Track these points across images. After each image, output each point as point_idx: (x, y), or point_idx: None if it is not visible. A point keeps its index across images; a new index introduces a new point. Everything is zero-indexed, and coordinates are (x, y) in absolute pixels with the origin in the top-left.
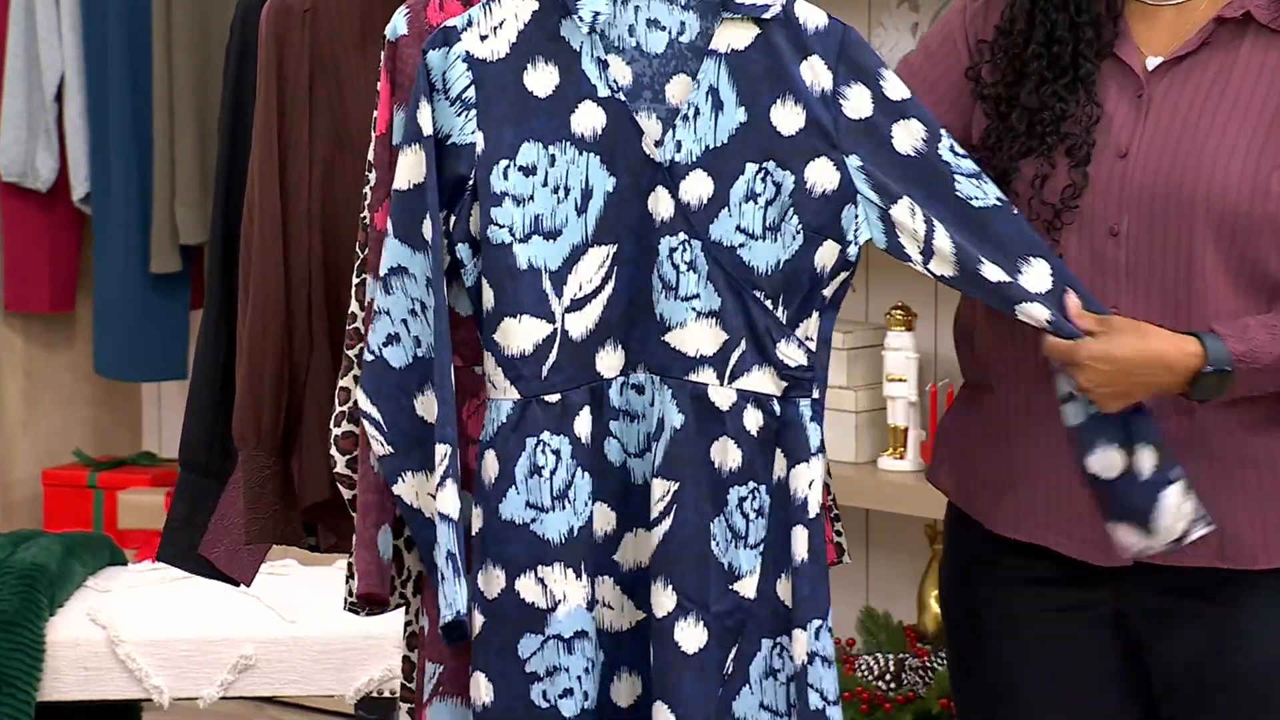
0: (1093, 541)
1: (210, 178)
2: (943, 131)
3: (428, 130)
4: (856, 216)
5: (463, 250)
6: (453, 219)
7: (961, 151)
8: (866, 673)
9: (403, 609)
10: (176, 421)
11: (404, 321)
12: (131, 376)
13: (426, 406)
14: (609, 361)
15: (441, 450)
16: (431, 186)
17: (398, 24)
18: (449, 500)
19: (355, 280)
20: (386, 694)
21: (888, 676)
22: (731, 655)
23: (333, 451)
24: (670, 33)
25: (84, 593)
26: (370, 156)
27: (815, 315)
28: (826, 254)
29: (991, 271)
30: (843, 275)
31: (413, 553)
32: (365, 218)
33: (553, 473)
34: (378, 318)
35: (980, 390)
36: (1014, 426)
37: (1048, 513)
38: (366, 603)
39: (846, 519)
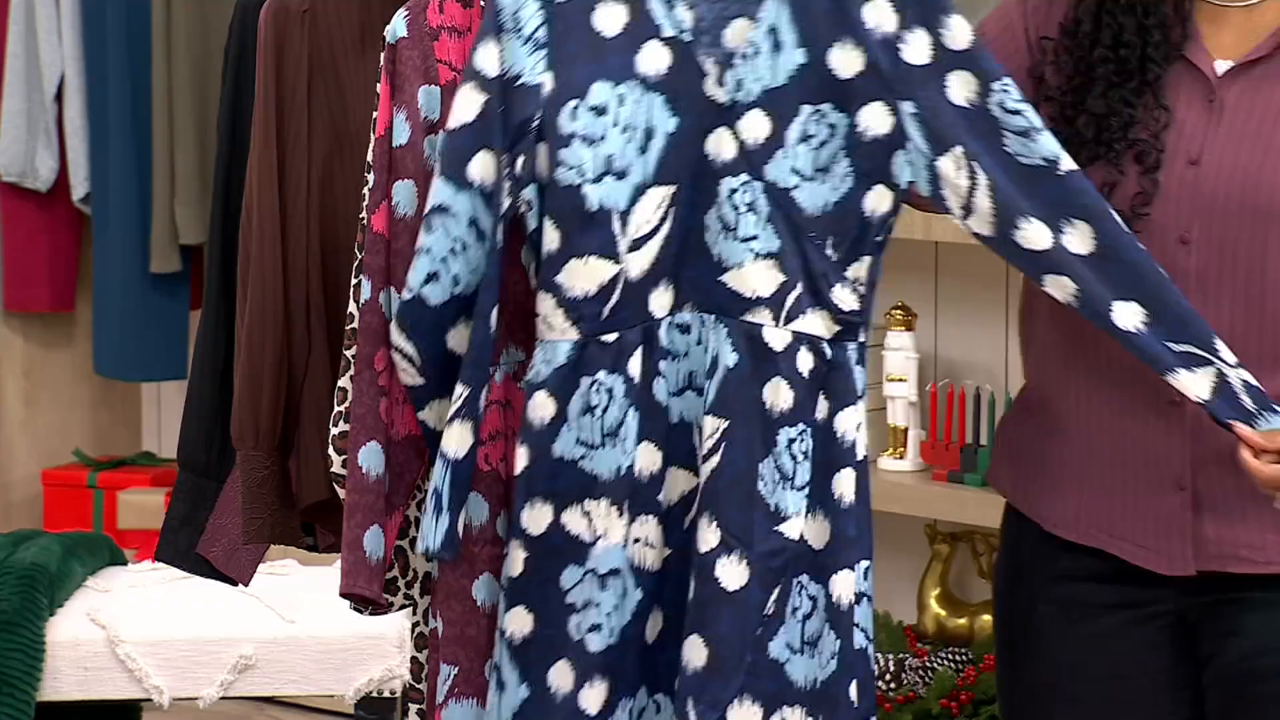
0: (1156, 550)
1: (210, 178)
2: (998, 85)
3: (489, 71)
4: (908, 163)
5: (529, 192)
6: (518, 161)
7: (1015, 107)
8: None
9: (409, 610)
10: (176, 421)
11: (444, 260)
12: (131, 376)
13: (458, 339)
14: (661, 301)
15: (460, 390)
16: (486, 127)
17: (397, 26)
18: (454, 438)
19: (354, 281)
20: (386, 694)
21: (887, 677)
22: (774, 596)
23: (330, 451)
24: None
25: (84, 593)
26: (369, 158)
27: (866, 259)
28: (876, 198)
29: (1028, 237)
30: (891, 220)
31: (417, 553)
32: (364, 219)
33: (604, 411)
34: (419, 256)
35: (1042, 392)
36: (1076, 430)
37: (1110, 518)
38: (354, 602)
39: None
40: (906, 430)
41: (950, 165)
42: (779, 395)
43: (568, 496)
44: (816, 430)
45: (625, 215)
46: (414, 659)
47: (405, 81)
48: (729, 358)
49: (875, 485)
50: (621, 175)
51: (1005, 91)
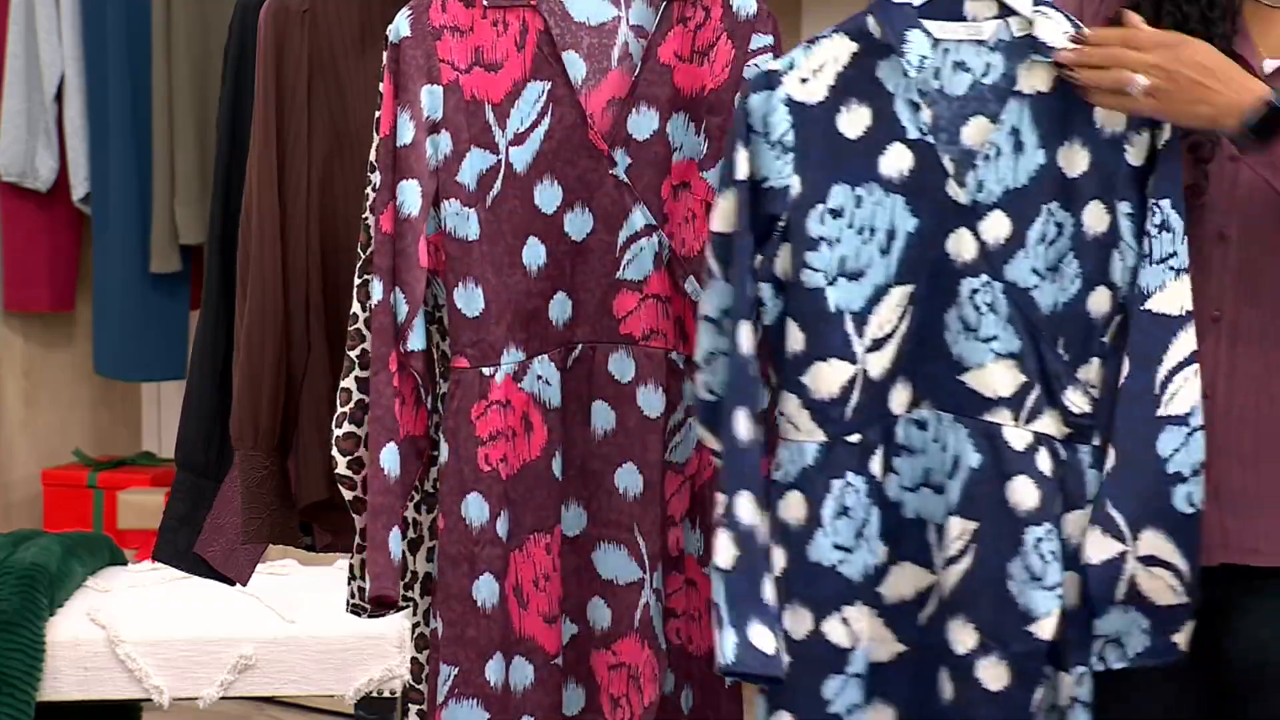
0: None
1: (210, 178)
2: (1165, 202)
3: (742, 175)
4: (1122, 262)
5: (765, 290)
6: (758, 259)
7: (1151, 229)
8: None
9: (408, 610)
10: (176, 421)
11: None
12: (131, 376)
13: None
14: (899, 398)
15: (720, 499)
16: (744, 232)
17: (400, 25)
18: (722, 551)
19: (357, 281)
20: (386, 694)
21: None
22: (1037, 697)
23: (334, 452)
24: (974, 74)
25: (84, 593)
26: (373, 157)
27: (1095, 361)
28: (1099, 299)
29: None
30: (1117, 320)
31: (418, 554)
32: (367, 219)
33: (855, 513)
34: (715, 358)
35: None
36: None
37: None
38: (378, 605)
39: None
40: None
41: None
42: (1024, 495)
43: (827, 605)
44: (1060, 533)
45: (862, 316)
46: (414, 659)
47: (409, 81)
48: (971, 458)
49: None
50: (856, 277)
51: (1153, 212)
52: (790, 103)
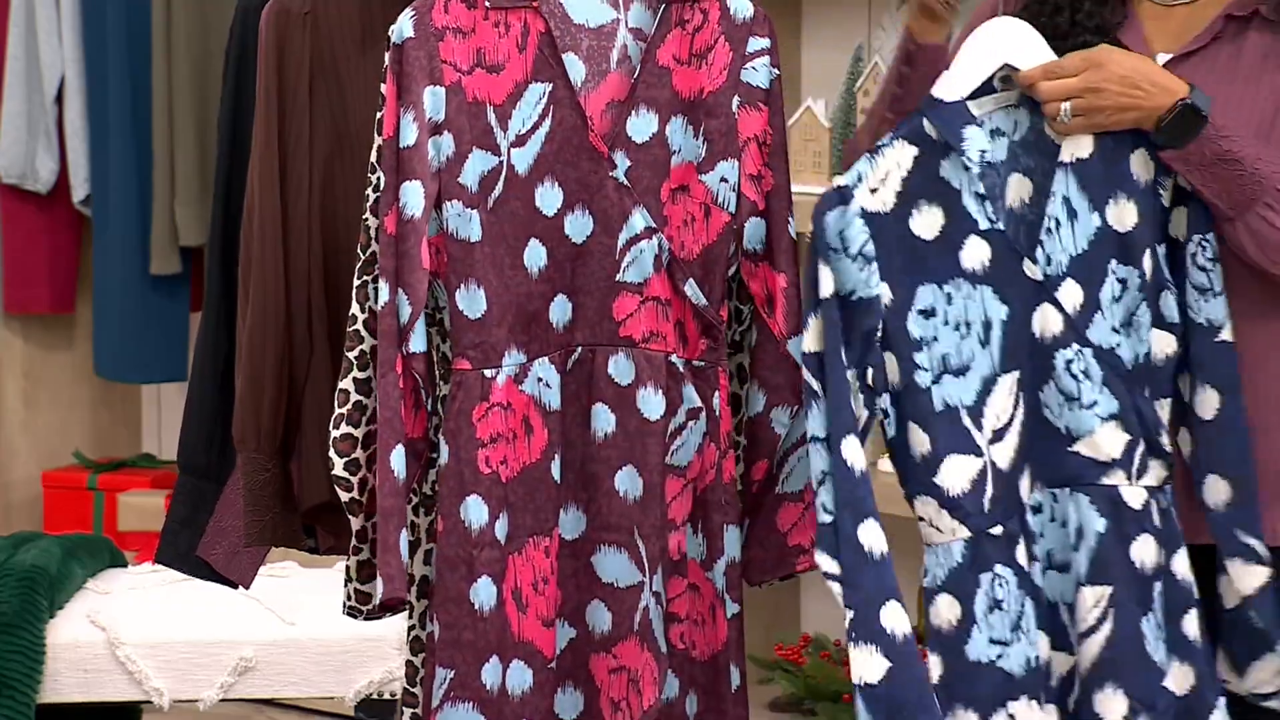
0: None
1: (210, 179)
2: (1199, 237)
3: (826, 293)
4: (1170, 301)
5: (884, 401)
6: (869, 372)
7: (1205, 264)
8: None
9: (405, 613)
10: (176, 423)
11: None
12: (131, 378)
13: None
14: (1026, 485)
15: (849, 615)
16: (836, 350)
17: (403, 26)
18: (862, 666)
19: (356, 282)
20: (386, 696)
21: None
22: None
23: (331, 454)
24: (1008, 135)
25: (84, 595)
26: (374, 158)
27: (1167, 402)
28: (1164, 341)
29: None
30: (1176, 357)
31: (415, 557)
32: (367, 220)
33: (1007, 605)
34: (828, 478)
35: None
36: None
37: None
38: (389, 608)
39: None
40: None
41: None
42: (1146, 552)
43: (990, 703)
44: (1170, 579)
45: (976, 409)
46: (409, 662)
47: (412, 82)
48: (1096, 524)
49: (876, 488)
50: (961, 372)
51: (1202, 247)
52: (865, 214)
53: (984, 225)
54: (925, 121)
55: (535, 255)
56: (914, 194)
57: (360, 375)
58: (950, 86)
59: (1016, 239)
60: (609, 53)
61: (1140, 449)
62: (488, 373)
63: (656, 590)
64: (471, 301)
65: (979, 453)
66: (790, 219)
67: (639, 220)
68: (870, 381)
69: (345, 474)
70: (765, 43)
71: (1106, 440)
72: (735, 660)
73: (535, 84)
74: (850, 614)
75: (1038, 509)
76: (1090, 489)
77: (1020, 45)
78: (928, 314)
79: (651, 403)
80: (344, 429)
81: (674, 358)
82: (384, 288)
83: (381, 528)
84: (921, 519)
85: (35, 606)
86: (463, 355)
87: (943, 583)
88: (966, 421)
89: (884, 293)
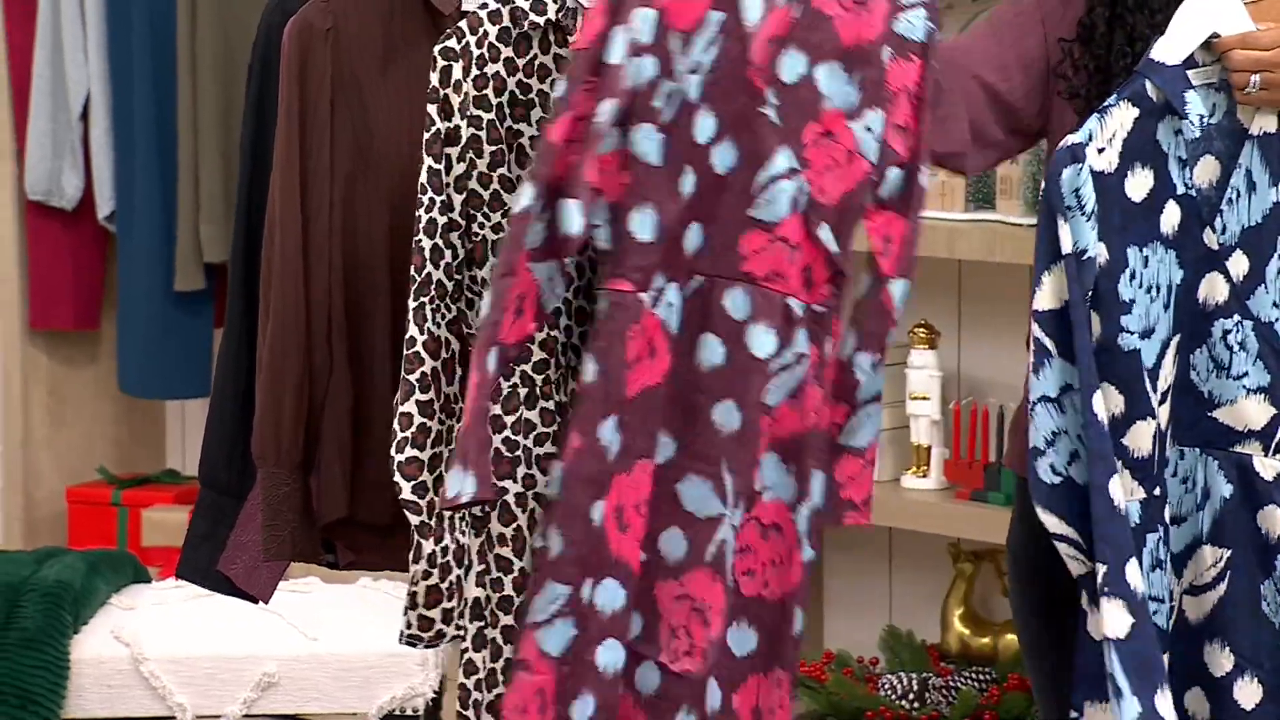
0: None
1: (234, 196)
2: None
3: (1068, 249)
4: None
5: None
6: None
7: None
8: (890, 692)
9: (459, 639)
10: (200, 439)
11: (1078, 437)
12: (155, 394)
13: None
14: (1168, 446)
15: (1100, 569)
16: (1079, 304)
17: None
18: (1113, 620)
19: (413, 304)
20: (409, 712)
21: (911, 696)
22: None
23: (397, 478)
24: (1205, 115)
25: (108, 610)
26: (424, 179)
27: None
28: None
29: None
30: None
31: (468, 579)
32: (420, 240)
33: (1164, 565)
34: (1059, 438)
35: None
36: None
37: None
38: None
39: (869, 538)
40: (929, 448)
41: None
42: (1274, 522)
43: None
44: None
45: (1155, 372)
46: (461, 685)
47: (625, 3)
48: (1224, 489)
49: (898, 504)
50: (1147, 334)
51: None
52: (1093, 174)
53: (1180, 190)
54: (1147, 83)
55: (687, 181)
56: (1132, 156)
57: (423, 398)
58: (1167, 50)
59: (1201, 206)
60: None
61: None
62: (643, 296)
63: (735, 524)
64: (644, 224)
65: (1154, 415)
66: (925, 171)
67: (783, 160)
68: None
69: (414, 498)
70: None
71: (1250, 412)
72: (802, 604)
73: (714, 11)
74: (1103, 568)
75: (1165, 463)
76: (1222, 454)
77: (1227, 14)
78: (1132, 276)
79: (762, 340)
80: (409, 452)
81: (792, 300)
82: (529, 191)
83: (476, 429)
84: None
85: (59, 622)
86: (624, 276)
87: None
88: (1147, 384)
89: (1100, 253)
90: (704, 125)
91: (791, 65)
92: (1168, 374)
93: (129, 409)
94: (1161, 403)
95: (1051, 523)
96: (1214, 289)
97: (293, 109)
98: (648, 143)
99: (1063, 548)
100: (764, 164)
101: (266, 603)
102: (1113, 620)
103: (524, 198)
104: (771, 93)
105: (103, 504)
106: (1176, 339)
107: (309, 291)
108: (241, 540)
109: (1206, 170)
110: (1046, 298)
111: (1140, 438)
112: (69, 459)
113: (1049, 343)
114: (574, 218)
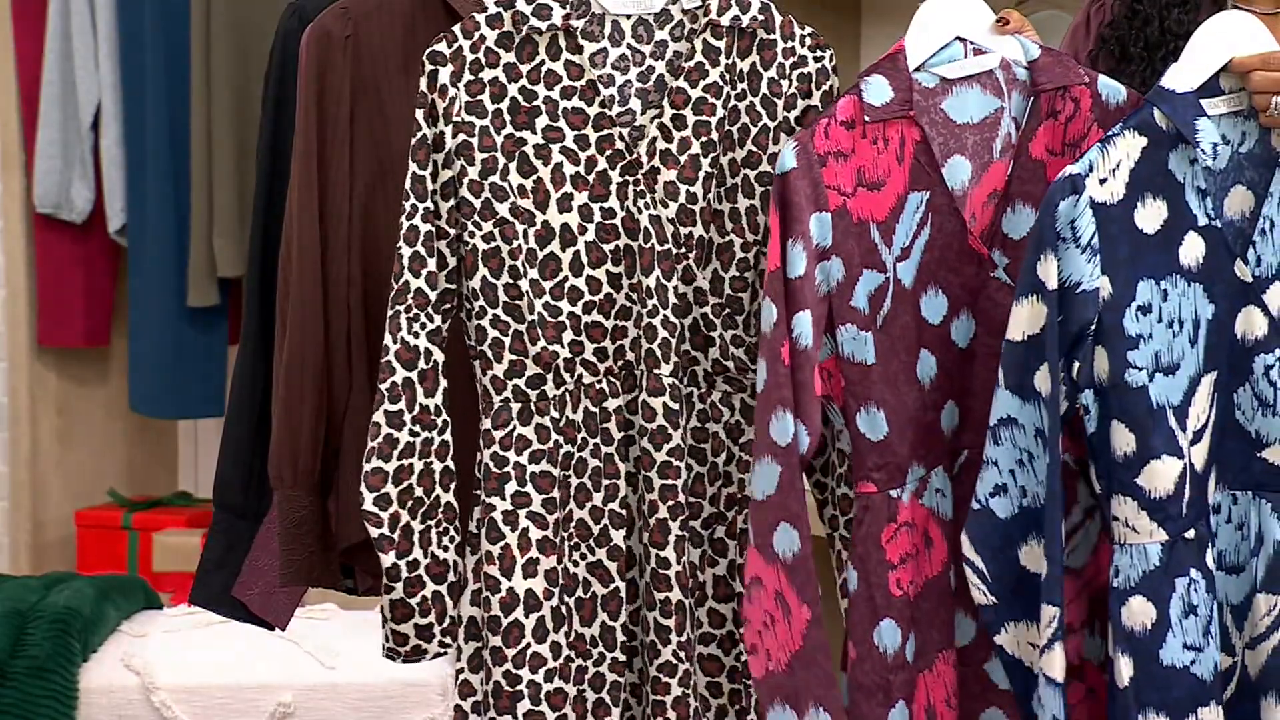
0: None
1: (249, 209)
2: None
3: (1051, 284)
4: None
5: (1087, 397)
6: (1075, 366)
7: None
8: None
9: (450, 656)
10: (214, 460)
11: (1011, 472)
12: (167, 413)
13: (1030, 557)
14: (1212, 486)
15: (1049, 613)
16: (1051, 339)
17: (786, 158)
18: (1056, 664)
19: (389, 312)
20: None
21: None
22: None
23: (361, 488)
24: (1233, 145)
25: (118, 637)
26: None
27: None
28: None
29: None
30: None
31: (461, 599)
32: (401, 248)
33: (1200, 610)
34: (986, 468)
35: None
36: None
37: None
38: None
39: None
40: None
41: None
42: None
43: (1183, 708)
44: None
45: (1182, 410)
46: (457, 707)
47: (799, 212)
48: (1277, 532)
49: None
50: (1171, 371)
51: None
52: (1093, 205)
53: (1202, 221)
54: (1155, 112)
55: (926, 366)
56: (1141, 186)
57: (392, 408)
58: (1179, 77)
59: (1231, 238)
60: (993, 143)
61: None
62: (894, 493)
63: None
64: (872, 423)
65: (1181, 454)
66: None
67: None
68: (1075, 375)
69: (374, 509)
70: None
71: None
72: None
73: (914, 193)
74: (1053, 611)
75: (1216, 509)
76: (1275, 496)
77: (1246, 35)
78: (1145, 310)
79: None
80: (375, 463)
81: (1066, 457)
82: (786, 417)
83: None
84: (1115, 518)
85: (68, 650)
86: (866, 478)
87: (1136, 584)
88: (1172, 422)
89: (1104, 286)
90: (934, 305)
91: (1019, 221)
92: (1200, 412)
93: (140, 429)
94: (1194, 442)
95: (964, 545)
96: (1251, 323)
97: (311, 119)
98: (854, 343)
99: (969, 573)
100: (1004, 327)
101: (283, 629)
102: (1055, 664)
103: (784, 423)
104: (999, 254)
105: (113, 527)
106: (1212, 376)
107: (327, 305)
108: (257, 565)
109: (1237, 201)
110: (1021, 326)
111: (1156, 477)
112: (78, 481)
113: (1000, 373)
114: (803, 438)
